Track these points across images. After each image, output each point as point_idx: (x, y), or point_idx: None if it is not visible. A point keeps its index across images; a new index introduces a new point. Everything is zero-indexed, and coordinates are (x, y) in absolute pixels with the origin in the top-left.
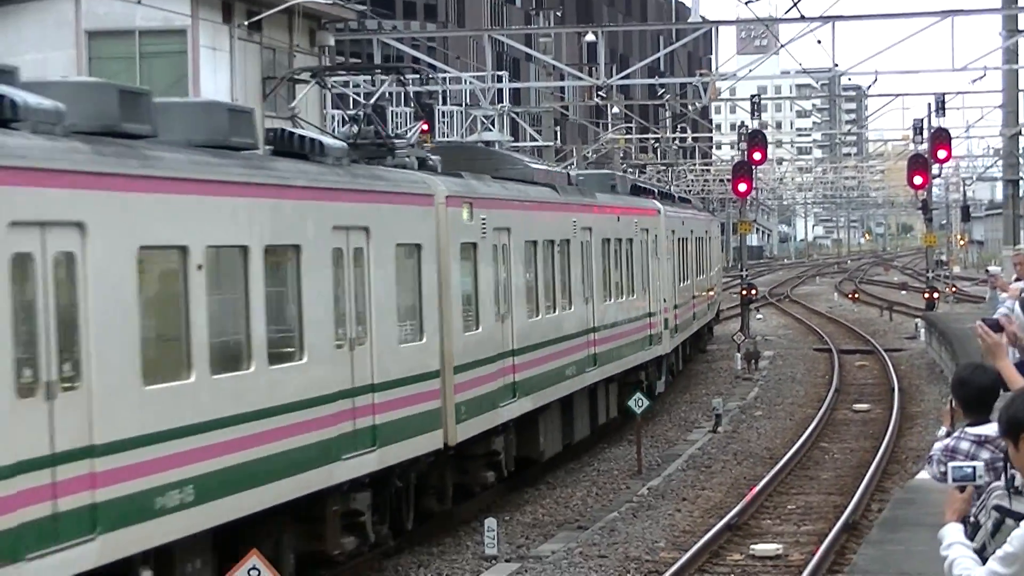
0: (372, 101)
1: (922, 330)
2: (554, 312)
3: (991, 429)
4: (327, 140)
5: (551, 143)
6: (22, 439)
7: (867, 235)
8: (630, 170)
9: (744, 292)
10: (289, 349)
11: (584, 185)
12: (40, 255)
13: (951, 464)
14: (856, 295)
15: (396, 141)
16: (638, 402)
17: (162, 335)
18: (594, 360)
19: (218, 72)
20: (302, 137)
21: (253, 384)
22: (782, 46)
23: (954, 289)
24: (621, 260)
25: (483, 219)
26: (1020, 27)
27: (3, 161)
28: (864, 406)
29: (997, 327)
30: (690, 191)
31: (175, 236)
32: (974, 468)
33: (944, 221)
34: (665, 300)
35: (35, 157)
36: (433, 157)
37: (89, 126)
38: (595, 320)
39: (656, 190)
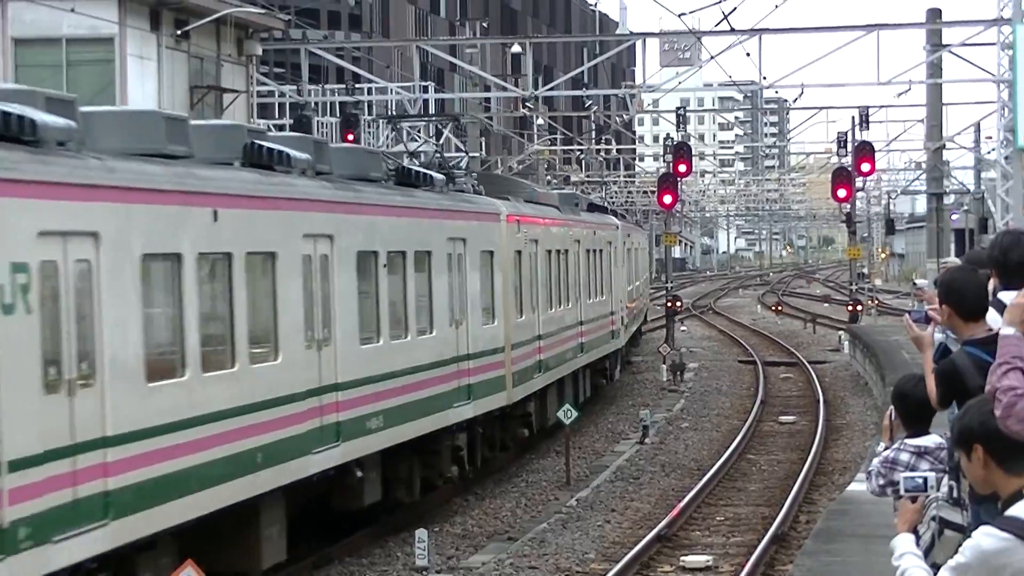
0: (441, 141)
1: (846, 342)
2: (561, 307)
3: (931, 441)
4: (434, 174)
5: (476, 154)
6: (49, 430)
7: (789, 248)
8: (555, 181)
9: (669, 304)
10: (423, 326)
11: (561, 203)
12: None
13: (903, 475)
14: (779, 307)
15: (455, 171)
16: (567, 413)
17: (262, 320)
18: (582, 348)
19: (146, 81)
20: (418, 172)
21: (402, 350)
22: (712, 57)
23: (876, 302)
24: (596, 267)
25: (525, 232)
26: (944, 42)
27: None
28: (790, 418)
29: (927, 320)
30: (614, 203)
31: (368, 243)
32: (926, 479)
33: (866, 234)
34: (621, 301)
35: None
36: (478, 184)
37: (140, 149)
38: (582, 315)
39: (608, 208)
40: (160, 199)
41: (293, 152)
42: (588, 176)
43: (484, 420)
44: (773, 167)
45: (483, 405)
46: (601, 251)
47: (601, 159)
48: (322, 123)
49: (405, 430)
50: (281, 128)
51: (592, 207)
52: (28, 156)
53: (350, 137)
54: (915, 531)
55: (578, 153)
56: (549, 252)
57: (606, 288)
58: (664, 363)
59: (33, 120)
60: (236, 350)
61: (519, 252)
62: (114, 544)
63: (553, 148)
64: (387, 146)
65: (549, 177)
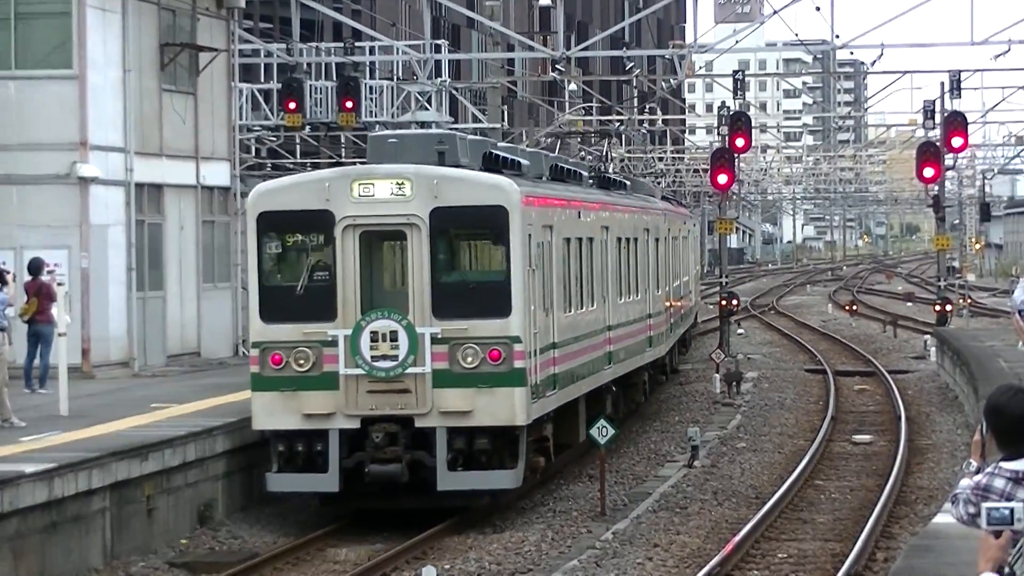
0: (606, 151)
1: (932, 349)
2: (638, 295)
3: None
4: (618, 177)
5: (497, 125)
6: (542, 335)
7: (865, 237)
8: (588, 157)
9: (724, 303)
10: (634, 289)
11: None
12: (544, 238)
13: (986, 505)
14: (854, 307)
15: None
16: (602, 430)
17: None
18: (650, 342)
19: (108, 38)
20: (613, 178)
21: (627, 307)
22: (775, 12)
23: (969, 301)
24: (647, 258)
25: (656, 225)
26: None
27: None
28: (865, 437)
29: None
30: (660, 182)
31: (623, 232)
32: (1012, 510)
33: (956, 221)
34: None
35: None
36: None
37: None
38: (651, 308)
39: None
40: (565, 204)
41: (524, 160)
42: (629, 151)
43: (639, 369)
44: (847, 142)
45: (657, 352)
46: (639, 239)
47: (644, 131)
48: (316, 87)
49: (633, 362)
50: (268, 93)
51: (605, 181)
52: (528, 182)
53: (348, 105)
54: (1000, 570)
55: (617, 124)
56: (655, 240)
57: (643, 284)
58: (717, 372)
59: (518, 160)
60: (577, 299)
61: (657, 240)
62: (558, 404)
63: (588, 118)
64: (393, 115)
65: (583, 152)
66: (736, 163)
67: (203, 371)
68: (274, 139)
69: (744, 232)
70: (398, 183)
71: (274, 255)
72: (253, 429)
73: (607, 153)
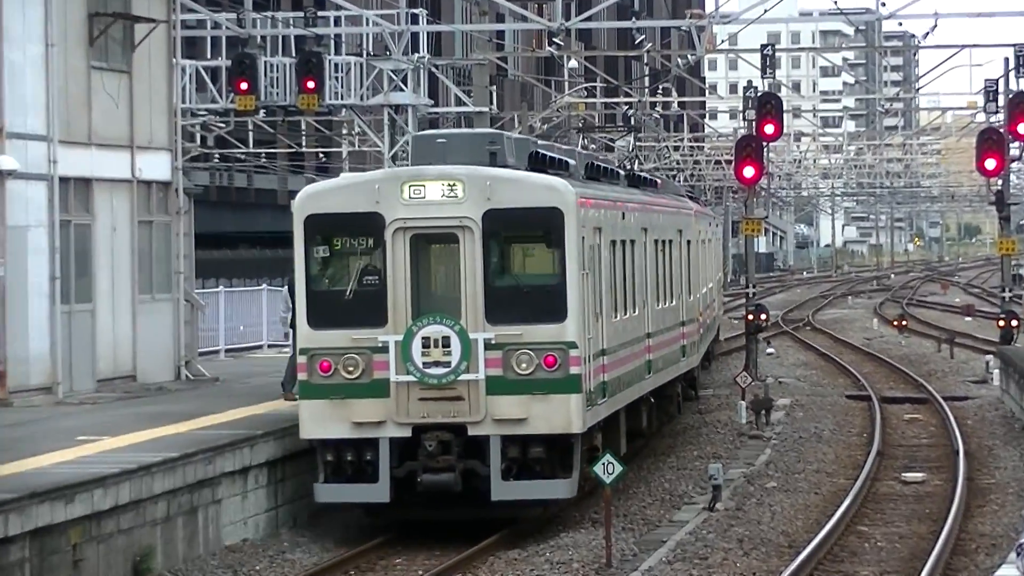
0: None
1: (995, 371)
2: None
3: None
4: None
5: (485, 109)
6: (594, 341)
7: (917, 240)
8: (593, 147)
9: (751, 317)
10: (670, 294)
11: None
12: (594, 240)
13: None
14: (903, 322)
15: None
16: (607, 467)
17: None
18: (683, 351)
19: (28, 6)
20: (644, 176)
21: (663, 313)
22: None
23: None
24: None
25: (688, 226)
26: None
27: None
28: (917, 475)
29: None
30: (676, 176)
31: (660, 234)
32: None
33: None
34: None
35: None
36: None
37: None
38: (684, 315)
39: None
40: (611, 205)
41: (571, 160)
42: (640, 139)
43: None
44: (895, 128)
45: (689, 362)
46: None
47: (657, 116)
48: (271, 65)
49: (669, 372)
50: (215, 72)
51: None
52: (579, 183)
53: (310, 85)
54: None
55: (625, 108)
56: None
57: (677, 290)
58: (742, 399)
59: (566, 160)
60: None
61: (688, 242)
62: (608, 412)
63: (590, 101)
64: (363, 97)
65: (585, 141)
66: (765, 153)
67: (139, 398)
68: (223, 125)
69: (774, 234)
70: (450, 184)
71: (322, 259)
72: (301, 438)
73: (633, 148)
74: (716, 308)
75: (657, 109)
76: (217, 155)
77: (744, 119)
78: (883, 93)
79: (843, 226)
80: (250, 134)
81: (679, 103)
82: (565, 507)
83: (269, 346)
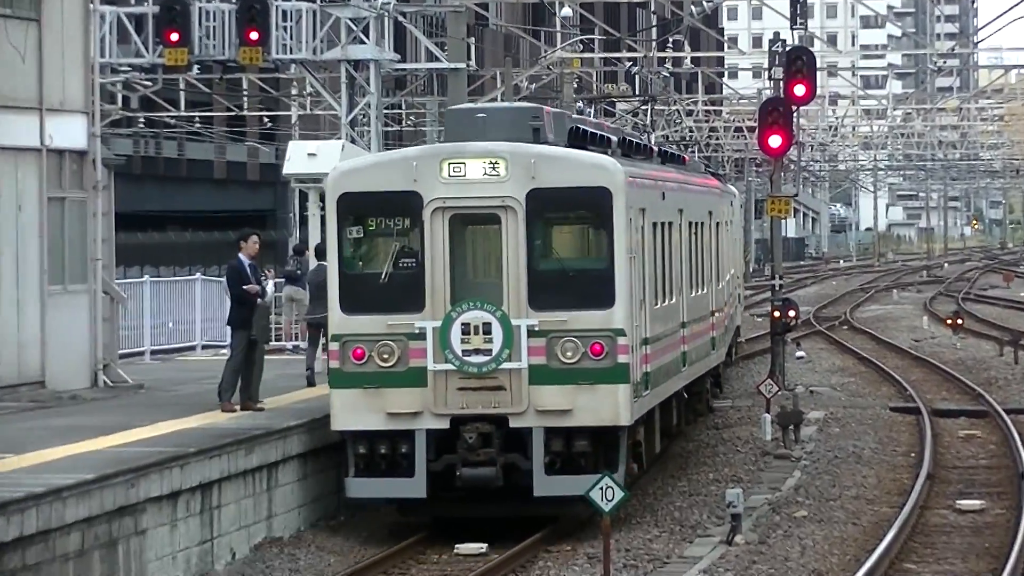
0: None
1: None
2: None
3: None
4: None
5: (461, 65)
6: (640, 329)
7: (975, 222)
8: (589, 111)
9: (777, 314)
10: (702, 281)
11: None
12: (639, 222)
13: None
14: (959, 320)
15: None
16: (606, 492)
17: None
18: (712, 344)
19: None
20: (673, 153)
21: (696, 301)
22: None
23: None
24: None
25: (717, 206)
26: None
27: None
28: (975, 503)
29: None
30: (688, 148)
31: (695, 215)
32: None
33: None
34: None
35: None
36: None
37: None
38: (713, 303)
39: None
40: (654, 184)
41: (612, 135)
42: (645, 102)
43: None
44: (950, 90)
45: (718, 356)
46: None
47: (667, 74)
48: (207, 12)
49: (701, 366)
50: (140, 21)
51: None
52: (626, 161)
53: (253, 37)
54: None
55: (629, 65)
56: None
57: (708, 277)
58: (767, 411)
59: (607, 136)
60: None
61: (717, 223)
62: (651, 404)
63: (587, 55)
64: (316, 51)
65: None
66: (795, 119)
67: (49, 408)
68: (149, 84)
69: (806, 215)
70: (492, 162)
71: (355, 240)
72: (332, 430)
73: (651, 119)
74: (738, 299)
75: (666, 66)
76: (142, 120)
77: (770, 78)
78: (935, 48)
79: (887, 206)
80: (181, 95)
81: (692, 59)
82: (592, 516)
83: (204, 347)
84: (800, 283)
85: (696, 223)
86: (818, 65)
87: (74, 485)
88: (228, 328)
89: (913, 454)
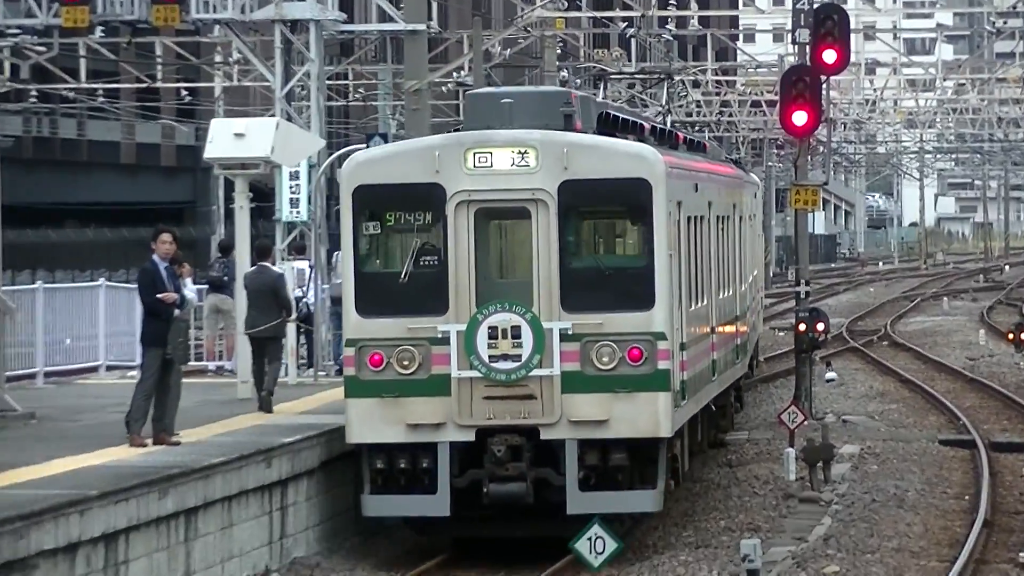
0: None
1: None
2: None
3: None
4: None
5: (421, 26)
6: (679, 333)
7: None
8: (579, 82)
9: (803, 327)
10: (728, 281)
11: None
12: (676, 216)
13: None
14: (1022, 335)
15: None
16: (595, 544)
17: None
18: (737, 352)
19: None
20: (695, 140)
21: (724, 304)
22: None
23: None
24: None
25: (742, 199)
26: None
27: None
28: None
29: None
30: (695, 125)
31: (722, 209)
32: None
33: None
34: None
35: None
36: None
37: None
38: (739, 306)
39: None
40: (689, 176)
41: (644, 122)
42: (647, 70)
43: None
44: (1012, 55)
45: (745, 364)
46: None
47: (669, 37)
48: None
49: (729, 376)
50: None
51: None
52: (663, 149)
53: None
54: None
55: (624, 25)
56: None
57: (733, 277)
58: (791, 445)
59: (639, 123)
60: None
61: (740, 217)
62: (690, 415)
63: (573, 15)
64: (244, 9)
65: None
66: (825, 92)
67: None
68: (43, 50)
69: (837, 208)
70: (521, 152)
71: (373, 236)
72: (347, 442)
73: (668, 102)
74: (759, 304)
75: (669, 27)
76: (34, 92)
77: (794, 42)
78: (994, 4)
79: (936, 197)
80: (82, 63)
81: (701, 19)
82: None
83: (108, 367)
84: (830, 290)
85: (723, 217)
86: (852, 26)
87: None
88: (139, 345)
89: (967, 497)
